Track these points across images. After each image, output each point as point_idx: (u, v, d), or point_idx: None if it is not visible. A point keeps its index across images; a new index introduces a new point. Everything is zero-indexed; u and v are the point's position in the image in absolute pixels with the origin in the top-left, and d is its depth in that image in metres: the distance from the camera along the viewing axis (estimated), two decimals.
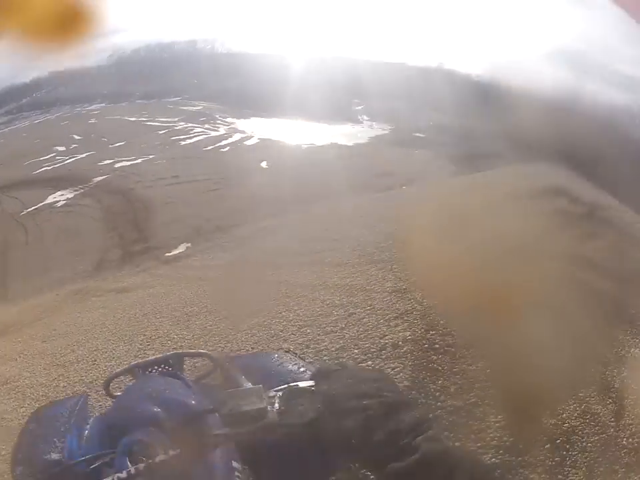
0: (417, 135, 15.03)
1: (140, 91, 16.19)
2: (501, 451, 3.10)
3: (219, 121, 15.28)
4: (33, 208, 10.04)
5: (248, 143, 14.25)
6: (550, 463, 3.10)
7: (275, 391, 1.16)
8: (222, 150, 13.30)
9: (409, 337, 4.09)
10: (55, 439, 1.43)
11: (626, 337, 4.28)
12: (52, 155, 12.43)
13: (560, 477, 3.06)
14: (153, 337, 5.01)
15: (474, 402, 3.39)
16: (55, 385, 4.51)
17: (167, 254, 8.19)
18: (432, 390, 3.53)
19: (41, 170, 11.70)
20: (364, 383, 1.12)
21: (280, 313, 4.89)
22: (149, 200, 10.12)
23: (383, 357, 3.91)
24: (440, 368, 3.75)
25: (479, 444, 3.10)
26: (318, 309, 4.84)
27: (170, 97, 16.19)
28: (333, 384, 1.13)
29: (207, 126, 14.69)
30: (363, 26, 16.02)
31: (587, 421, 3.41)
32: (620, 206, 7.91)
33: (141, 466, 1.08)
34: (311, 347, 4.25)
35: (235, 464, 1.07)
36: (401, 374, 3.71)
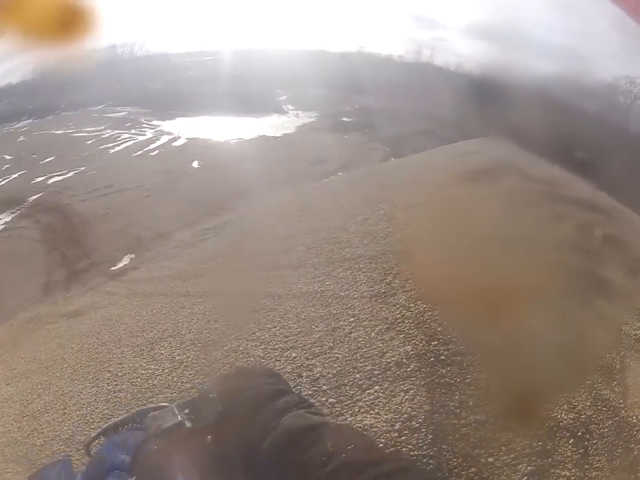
0: (345, 119, 15.42)
1: (65, 102, 16.02)
2: (534, 458, 3.10)
3: (144, 125, 15.35)
4: None
5: (176, 144, 14.44)
6: (576, 456, 3.14)
7: (185, 406, 1.36)
8: (151, 154, 13.42)
9: (412, 352, 3.83)
10: None
11: (617, 314, 4.25)
12: None
13: (586, 466, 3.09)
14: (119, 374, 4.81)
15: (495, 413, 3.31)
16: (31, 442, 4.35)
17: (112, 268, 8.33)
18: (452, 408, 3.38)
19: None
20: (249, 380, 1.35)
21: (254, 333, 4.63)
22: (85, 214, 10.17)
23: (390, 378, 3.64)
24: (452, 381, 3.57)
25: (511, 455, 3.07)
26: (295, 325, 4.58)
27: (94, 105, 16.11)
28: (226, 386, 1.40)
29: (133, 131, 14.76)
30: (277, 16, 16.19)
31: (600, 407, 3.46)
32: (575, 179, 7.85)
33: None
34: (304, 375, 3.90)
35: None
36: (417, 397, 3.48)
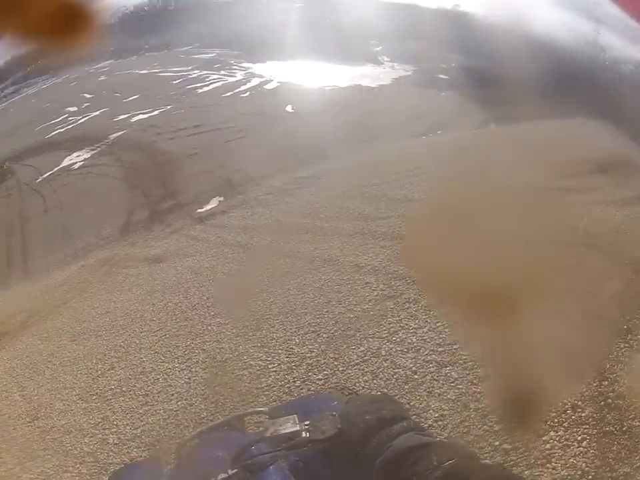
0: (441, 76, 13.73)
1: (148, 44, 14.89)
2: None
3: (234, 67, 14.01)
4: (49, 174, 9.08)
5: (268, 87, 13.05)
6: None
7: (307, 420, 1.28)
8: (242, 96, 12.11)
9: (587, 394, 3.29)
10: None
11: None
12: (64, 116, 11.38)
13: None
14: (219, 358, 4.17)
15: None
16: (101, 435, 3.87)
17: (199, 210, 7.42)
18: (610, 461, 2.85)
19: (53, 133, 10.68)
20: (372, 405, 1.31)
21: (396, 332, 3.93)
22: (171, 152, 9.11)
23: (565, 424, 3.06)
24: (613, 429, 3.04)
25: None
26: (448, 331, 3.79)
27: (181, 46, 14.88)
28: (347, 408, 1.35)
29: (222, 72, 13.46)
30: None
31: None
32: None
33: None
34: (471, 407, 3.22)
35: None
36: (590, 449, 2.92)
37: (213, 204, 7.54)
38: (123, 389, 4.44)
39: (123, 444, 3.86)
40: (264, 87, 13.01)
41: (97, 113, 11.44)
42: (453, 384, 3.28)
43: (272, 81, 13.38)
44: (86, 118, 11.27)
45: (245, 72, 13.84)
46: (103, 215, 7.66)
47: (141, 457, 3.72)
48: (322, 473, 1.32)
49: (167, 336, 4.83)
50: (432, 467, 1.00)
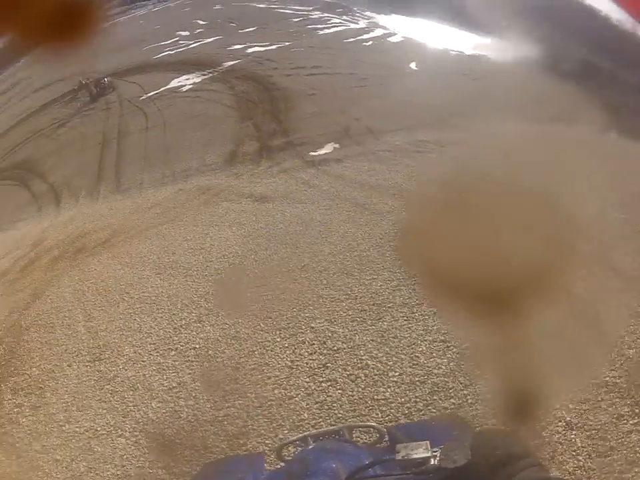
0: (567, 66, 12.09)
1: None
2: None
3: (357, 14, 12.89)
4: (154, 92, 8.37)
5: (392, 39, 11.82)
6: None
7: (439, 447, 1.19)
8: (365, 44, 10.99)
9: None
10: None
11: None
12: (174, 39, 10.64)
13: None
14: (334, 346, 3.55)
15: None
16: (173, 405, 3.37)
17: (312, 153, 6.48)
18: None
19: (162, 54, 9.93)
20: (500, 440, 1.24)
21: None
22: (288, 89, 8.19)
23: None
24: None
25: None
26: None
27: None
28: (477, 441, 1.24)
29: (344, 17, 12.36)
30: None
31: None
32: None
33: None
34: None
35: None
36: None
37: (327, 149, 6.57)
38: (209, 351, 3.72)
39: (198, 424, 3.19)
40: (387, 39, 11.81)
41: (210, 39, 10.55)
42: None
43: (396, 34, 12.19)
44: (198, 43, 10.40)
45: (368, 21, 12.70)
46: (209, 141, 6.89)
47: (219, 447, 3.04)
48: None
49: (270, 297, 4.04)
50: None
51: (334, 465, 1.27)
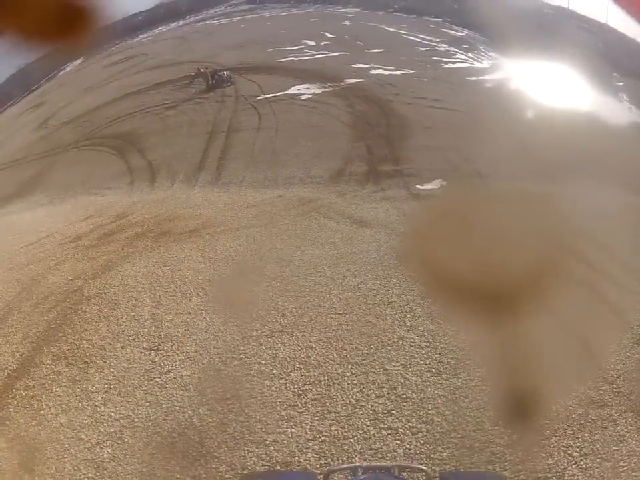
0: None
1: (398, 4, 13.75)
2: None
3: (482, 53, 12.47)
4: (272, 95, 8.20)
5: (512, 84, 11.35)
6: None
7: None
8: (486, 85, 10.55)
9: None
10: None
11: None
12: (300, 47, 10.52)
13: None
14: (400, 393, 3.30)
15: None
16: (222, 416, 3.10)
17: (419, 186, 6.15)
18: None
19: (286, 59, 9.82)
20: None
21: None
22: (406, 118, 7.83)
23: None
24: None
25: None
26: None
27: (431, 16, 13.54)
28: None
29: (469, 55, 11.95)
30: None
31: None
32: None
33: None
34: None
35: None
36: None
37: (434, 185, 6.23)
38: (274, 370, 3.42)
39: (243, 442, 2.92)
40: (508, 83, 11.40)
41: (336, 54, 10.36)
42: None
43: (517, 79, 11.75)
44: (323, 55, 10.24)
45: (492, 61, 12.30)
46: (318, 154, 6.57)
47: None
48: None
49: (349, 328, 3.74)
50: None
51: None
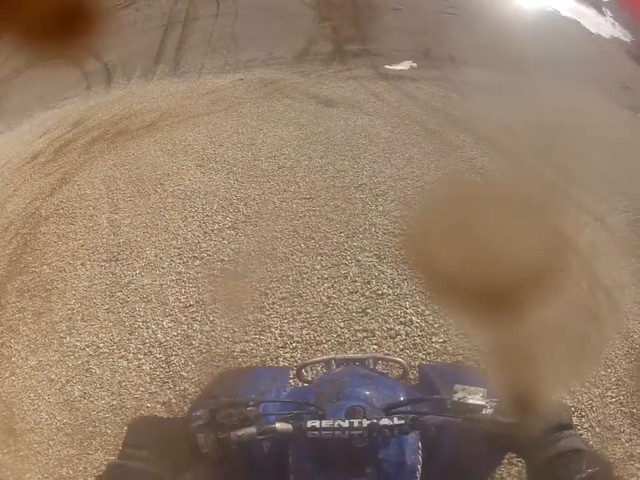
0: None
1: None
2: None
3: None
4: None
5: None
6: None
7: (492, 399, 1.08)
8: None
9: None
10: (252, 394, 1.20)
11: None
12: None
13: None
14: (375, 289, 2.93)
15: None
16: (187, 327, 2.85)
17: (387, 66, 5.59)
18: None
19: None
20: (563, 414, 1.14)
21: None
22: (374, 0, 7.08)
23: None
24: None
25: None
26: None
27: None
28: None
29: None
30: None
31: None
32: None
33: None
34: None
35: (420, 445, 1.10)
36: None
37: (403, 66, 5.69)
38: (238, 268, 3.13)
39: (210, 356, 2.66)
40: None
41: None
42: None
43: None
44: None
45: None
46: (280, 35, 5.99)
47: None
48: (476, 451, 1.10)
49: (317, 214, 3.37)
50: (580, 470, 1.03)
51: (369, 393, 1.12)
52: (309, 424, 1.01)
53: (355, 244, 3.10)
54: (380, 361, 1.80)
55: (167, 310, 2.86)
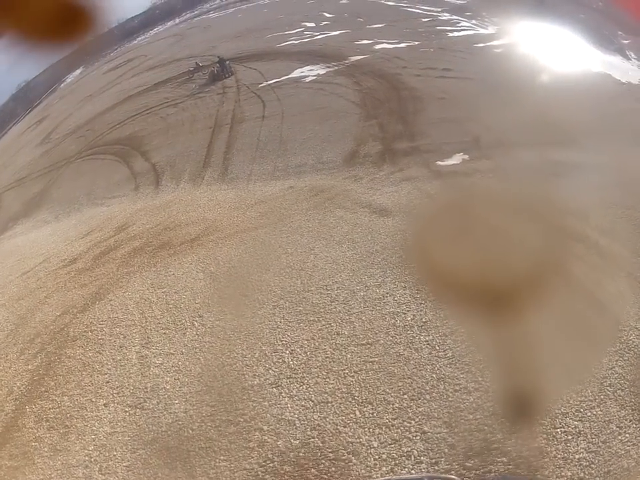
0: None
1: None
2: None
3: (486, 20, 10.95)
4: (275, 81, 6.96)
5: (520, 49, 9.86)
6: None
7: None
8: (495, 50, 9.07)
9: None
10: None
11: None
12: (299, 29, 9.32)
13: None
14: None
15: None
16: None
17: (439, 162, 4.82)
18: None
19: (286, 43, 8.57)
20: None
21: None
22: (417, 90, 6.45)
23: None
24: None
25: None
26: None
27: None
28: None
29: (473, 22, 10.50)
30: None
31: None
32: None
33: None
34: None
35: None
36: None
37: (455, 160, 4.92)
38: (279, 442, 2.30)
39: None
40: (516, 47, 9.89)
41: (337, 32, 8.98)
42: None
43: (525, 44, 10.21)
44: (324, 35, 8.88)
45: (497, 27, 10.78)
46: (328, 137, 5.31)
47: None
48: None
49: (377, 367, 2.55)
50: None
51: None
52: None
53: (420, 409, 2.24)
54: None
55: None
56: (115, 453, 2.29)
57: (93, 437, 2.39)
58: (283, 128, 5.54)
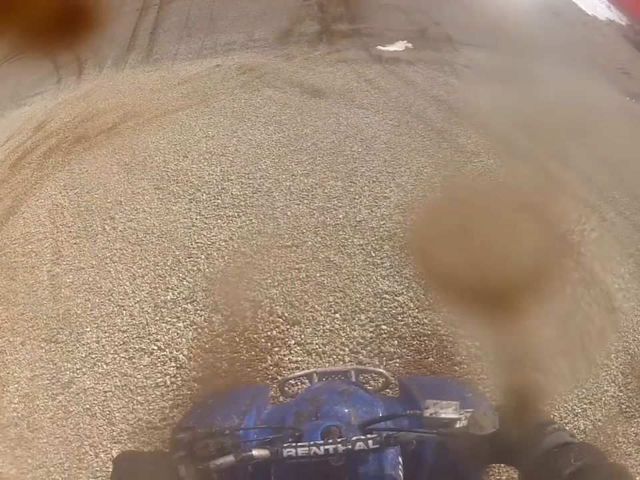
0: None
1: None
2: None
3: None
4: None
5: None
6: None
7: (466, 410, 0.84)
8: None
9: None
10: (233, 415, 0.95)
11: None
12: None
13: None
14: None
15: None
16: None
17: (380, 47, 4.02)
18: None
19: None
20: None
21: None
22: None
23: None
24: None
25: None
26: None
27: None
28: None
29: None
30: None
31: None
32: None
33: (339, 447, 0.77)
34: None
35: (400, 460, 0.84)
36: None
37: (398, 47, 4.13)
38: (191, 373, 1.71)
39: None
40: None
41: None
42: None
43: None
44: None
45: None
46: (262, 15, 4.27)
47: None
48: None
49: (305, 275, 2.02)
50: (569, 464, 0.75)
51: (346, 410, 0.87)
52: (285, 452, 0.77)
53: (354, 333, 1.69)
54: (364, 373, 1.44)
55: (114, 433, 1.58)
56: (38, 403, 1.72)
57: (16, 385, 1.78)
58: (214, 6, 4.42)
